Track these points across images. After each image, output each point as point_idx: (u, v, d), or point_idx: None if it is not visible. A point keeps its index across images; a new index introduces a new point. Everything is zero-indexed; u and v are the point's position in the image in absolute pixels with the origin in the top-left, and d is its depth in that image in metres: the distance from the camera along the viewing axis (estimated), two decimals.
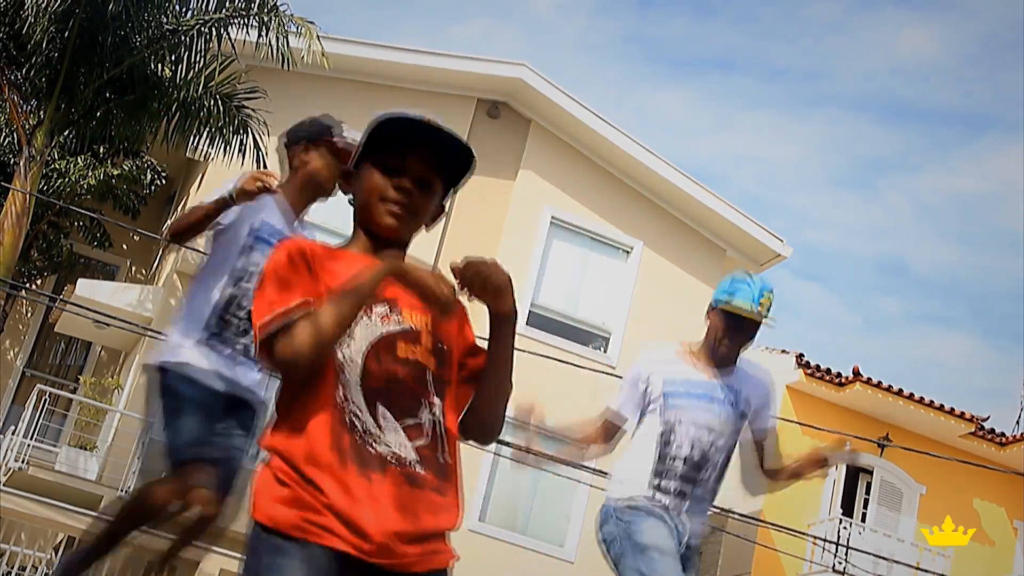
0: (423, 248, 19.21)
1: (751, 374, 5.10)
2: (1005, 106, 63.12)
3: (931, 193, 64.06)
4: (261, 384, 4.39)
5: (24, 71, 15.51)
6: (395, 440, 2.43)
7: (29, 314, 21.40)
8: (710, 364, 5.01)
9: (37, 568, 15.63)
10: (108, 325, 16.58)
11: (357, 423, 2.42)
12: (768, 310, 4.89)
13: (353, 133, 4.60)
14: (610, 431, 5.03)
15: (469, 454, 14.31)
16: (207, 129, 15.80)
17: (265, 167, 16.16)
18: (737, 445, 5.01)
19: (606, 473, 7.91)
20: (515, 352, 2.62)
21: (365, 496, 2.37)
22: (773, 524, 18.51)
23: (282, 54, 15.52)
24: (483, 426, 2.66)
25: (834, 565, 19.61)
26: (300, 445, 2.42)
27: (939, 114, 65.98)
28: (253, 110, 16.07)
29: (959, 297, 66.82)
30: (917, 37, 63.66)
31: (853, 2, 64.30)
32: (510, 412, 2.70)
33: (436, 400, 2.51)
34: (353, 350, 2.47)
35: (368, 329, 2.49)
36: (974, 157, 62.95)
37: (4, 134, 18.76)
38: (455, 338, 2.63)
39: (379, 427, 2.43)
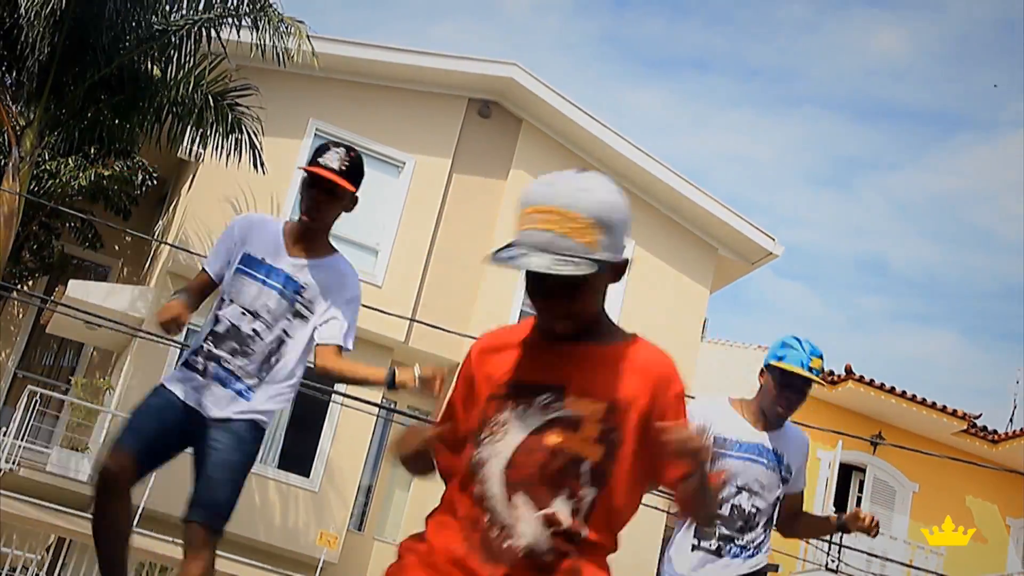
0: (414, 248, 19.21)
1: (792, 437, 5.15)
2: (976, 105, 64.20)
3: (907, 192, 64.85)
4: (230, 401, 4.33)
5: (14, 72, 15.47)
6: (529, 531, 2.41)
7: (20, 315, 21.35)
8: (759, 421, 5.05)
9: (28, 569, 15.60)
10: (99, 326, 16.55)
11: (492, 517, 2.44)
12: (818, 371, 4.98)
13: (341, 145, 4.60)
14: None
15: None
16: (198, 129, 15.77)
17: (262, 165, 16.14)
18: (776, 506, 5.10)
19: None
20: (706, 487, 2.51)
21: None
22: None
23: (273, 53, 15.48)
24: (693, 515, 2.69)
25: (827, 563, 19.62)
26: (433, 541, 2.53)
27: (912, 114, 67.23)
28: (246, 107, 16.02)
29: (939, 295, 67.47)
30: (888, 38, 65.07)
31: (825, 3, 65.20)
32: None
33: (587, 491, 2.42)
34: (503, 444, 2.46)
35: (526, 420, 2.46)
36: (948, 156, 63.76)
37: None
38: (636, 430, 2.47)
39: (515, 518, 2.42)
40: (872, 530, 5.07)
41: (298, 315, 4.39)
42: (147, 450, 4.29)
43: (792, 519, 5.20)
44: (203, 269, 4.55)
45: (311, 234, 4.48)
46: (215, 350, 4.34)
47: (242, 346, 4.33)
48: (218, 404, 4.31)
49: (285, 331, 4.37)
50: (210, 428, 4.29)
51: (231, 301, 4.39)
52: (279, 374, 4.37)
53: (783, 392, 4.97)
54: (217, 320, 4.40)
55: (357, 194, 4.54)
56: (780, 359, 4.99)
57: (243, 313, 4.36)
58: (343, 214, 4.57)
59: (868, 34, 64.38)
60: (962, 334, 64.14)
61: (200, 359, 4.36)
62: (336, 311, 4.44)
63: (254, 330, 4.33)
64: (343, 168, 4.41)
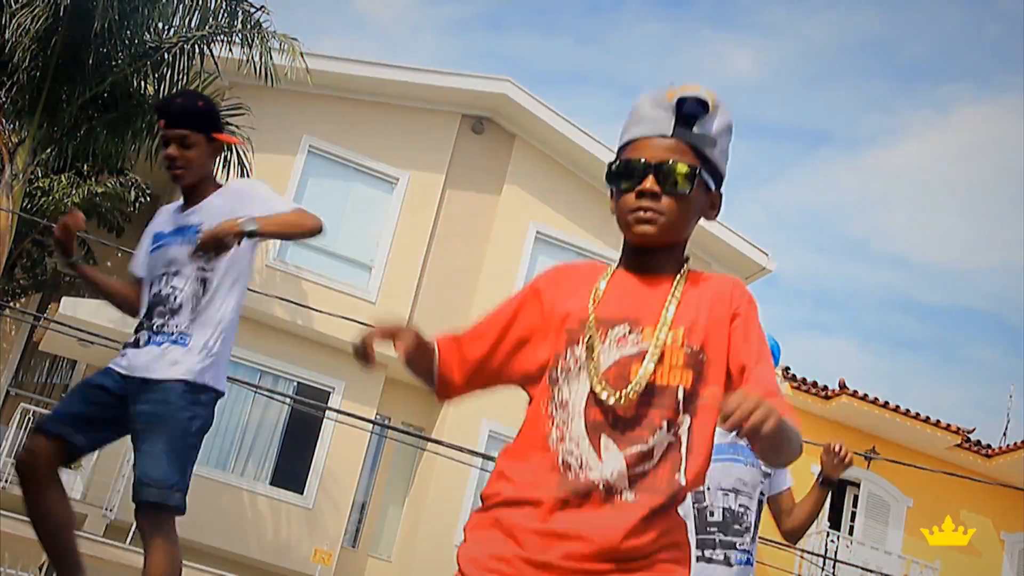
0: (408, 264, 19.21)
1: None
2: (832, 122, 67.01)
3: (781, 205, 66.73)
4: (157, 360, 4.20)
5: (6, 89, 15.46)
6: (614, 470, 2.30)
7: (13, 332, 21.31)
8: None
9: None
10: (93, 343, 16.52)
11: (572, 460, 2.32)
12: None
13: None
14: None
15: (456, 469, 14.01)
16: None
17: None
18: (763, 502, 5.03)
19: None
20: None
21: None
22: (761, 538, 18.48)
23: (265, 71, 15.49)
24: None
25: None
26: (504, 487, 2.38)
27: (774, 130, 69.32)
28: (236, 127, 16.04)
29: (828, 304, 69.43)
30: (740, 60, 67.33)
31: (677, 26, 68.04)
32: None
33: (684, 419, 2.33)
34: (580, 381, 2.36)
35: (603, 356, 2.36)
36: (810, 171, 66.21)
37: None
38: (719, 341, 2.39)
39: (600, 460, 2.31)
40: (846, 455, 4.82)
41: None
42: (69, 429, 4.13)
43: (789, 515, 5.12)
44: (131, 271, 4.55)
45: (189, 190, 4.45)
46: (150, 321, 4.29)
47: (168, 305, 4.27)
48: (155, 362, 4.19)
49: (201, 268, 4.28)
50: (144, 397, 4.16)
51: (151, 279, 4.37)
52: (210, 311, 4.26)
53: None
54: (146, 300, 4.38)
55: (214, 136, 4.47)
56: None
57: (160, 277, 4.32)
58: (213, 160, 4.54)
59: (720, 56, 67.60)
60: (860, 342, 65.76)
61: (136, 334, 4.31)
62: (254, 201, 4.31)
63: (172, 286, 4.27)
64: (185, 116, 4.42)
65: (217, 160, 4.61)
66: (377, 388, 18.78)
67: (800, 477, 5.10)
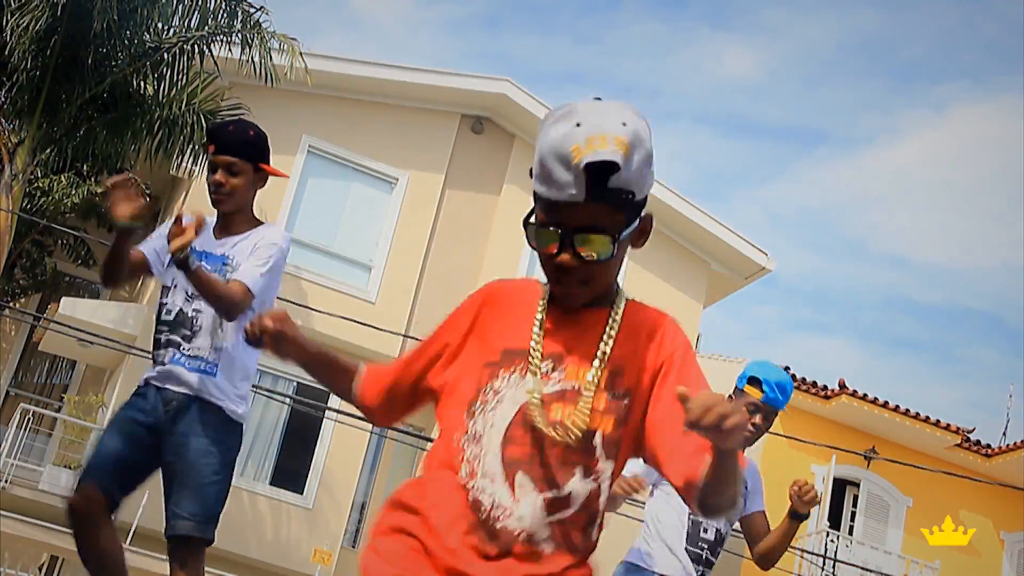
0: (408, 264, 19.21)
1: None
2: (830, 121, 67.90)
3: (779, 204, 67.00)
4: (198, 382, 4.25)
5: (5, 90, 15.46)
6: (529, 514, 2.17)
7: (13, 333, 21.31)
8: None
9: None
10: (92, 343, 16.52)
11: (484, 499, 2.18)
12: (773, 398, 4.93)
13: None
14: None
15: None
16: (191, 146, 15.77)
17: None
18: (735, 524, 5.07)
19: None
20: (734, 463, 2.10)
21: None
22: None
23: (265, 71, 15.48)
24: (705, 506, 2.17)
25: None
26: (414, 521, 2.24)
27: (774, 130, 70.06)
28: None
29: (828, 303, 69.77)
30: (738, 59, 68.00)
31: (674, 26, 68.11)
32: None
33: (605, 466, 2.21)
34: (497, 415, 2.22)
35: (521, 391, 2.22)
36: (810, 170, 66.68)
37: None
38: (645, 391, 2.25)
39: (514, 499, 2.17)
40: (810, 492, 4.80)
41: None
42: (116, 475, 4.21)
43: (759, 540, 5.09)
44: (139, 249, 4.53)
45: (229, 217, 4.46)
46: (171, 337, 4.31)
47: (191, 329, 4.29)
48: (183, 387, 4.24)
49: None
50: (176, 427, 4.21)
51: (175, 287, 4.37)
52: (233, 350, 4.29)
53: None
54: (166, 310, 4.37)
55: (261, 166, 4.52)
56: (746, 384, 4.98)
57: (187, 299, 4.32)
58: (255, 190, 4.53)
59: (718, 56, 67.63)
60: (859, 341, 66.03)
61: (160, 351, 4.32)
62: (251, 255, 4.33)
63: (195, 309, 4.29)
64: (235, 144, 4.44)
65: (259, 191, 4.62)
66: None
67: (801, 476, 5.12)
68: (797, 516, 4.87)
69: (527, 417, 2.20)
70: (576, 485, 2.19)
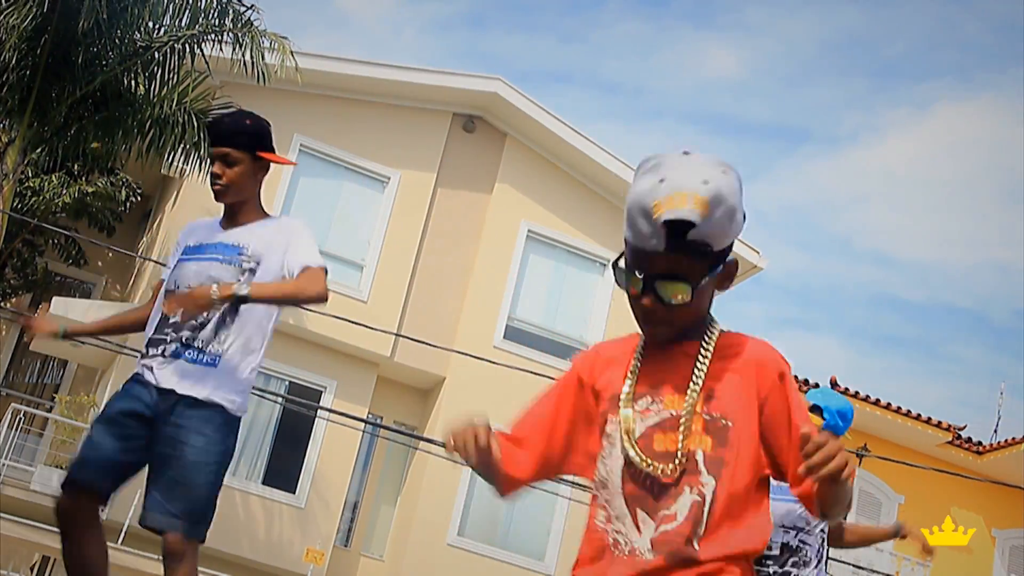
0: (400, 263, 19.19)
1: None
2: (814, 119, 68.20)
3: (763, 203, 67.62)
4: (195, 379, 4.15)
5: None
6: (647, 547, 2.34)
7: (4, 332, 21.27)
8: None
9: None
10: (84, 343, 16.48)
11: (620, 539, 2.37)
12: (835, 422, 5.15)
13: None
14: None
15: (446, 468, 14.08)
16: (181, 145, 15.75)
17: None
18: None
19: (586, 487, 7.91)
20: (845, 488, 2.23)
21: None
22: None
23: (256, 70, 15.46)
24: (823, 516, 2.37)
25: None
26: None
27: (758, 128, 70.10)
28: None
29: (815, 302, 70.11)
30: (722, 57, 68.09)
31: (658, 25, 68.47)
32: None
33: (707, 480, 2.33)
34: (613, 458, 2.41)
35: (636, 428, 2.40)
36: (792, 168, 67.08)
37: None
38: (744, 411, 2.38)
39: (640, 535, 2.34)
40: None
41: (251, 271, 4.25)
42: (107, 470, 4.16)
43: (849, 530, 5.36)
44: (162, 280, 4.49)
45: (235, 208, 4.45)
46: (175, 333, 4.19)
47: (194, 327, 4.18)
48: (196, 382, 4.14)
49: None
50: (175, 419, 4.13)
51: (176, 286, 4.27)
52: (247, 340, 4.23)
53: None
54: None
55: (259, 154, 4.54)
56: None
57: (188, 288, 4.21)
58: (259, 179, 4.55)
59: (702, 55, 68.56)
60: (846, 339, 66.39)
61: (162, 346, 4.21)
62: (295, 245, 4.35)
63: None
64: (229, 135, 4.47)
65: (264, 179, 4.64)
66: (369, 388, 18.77)
67: None
68: (896, 534, 5.43)
69: (628, 455, 2.36)
70: (683, 500, 2.32)
